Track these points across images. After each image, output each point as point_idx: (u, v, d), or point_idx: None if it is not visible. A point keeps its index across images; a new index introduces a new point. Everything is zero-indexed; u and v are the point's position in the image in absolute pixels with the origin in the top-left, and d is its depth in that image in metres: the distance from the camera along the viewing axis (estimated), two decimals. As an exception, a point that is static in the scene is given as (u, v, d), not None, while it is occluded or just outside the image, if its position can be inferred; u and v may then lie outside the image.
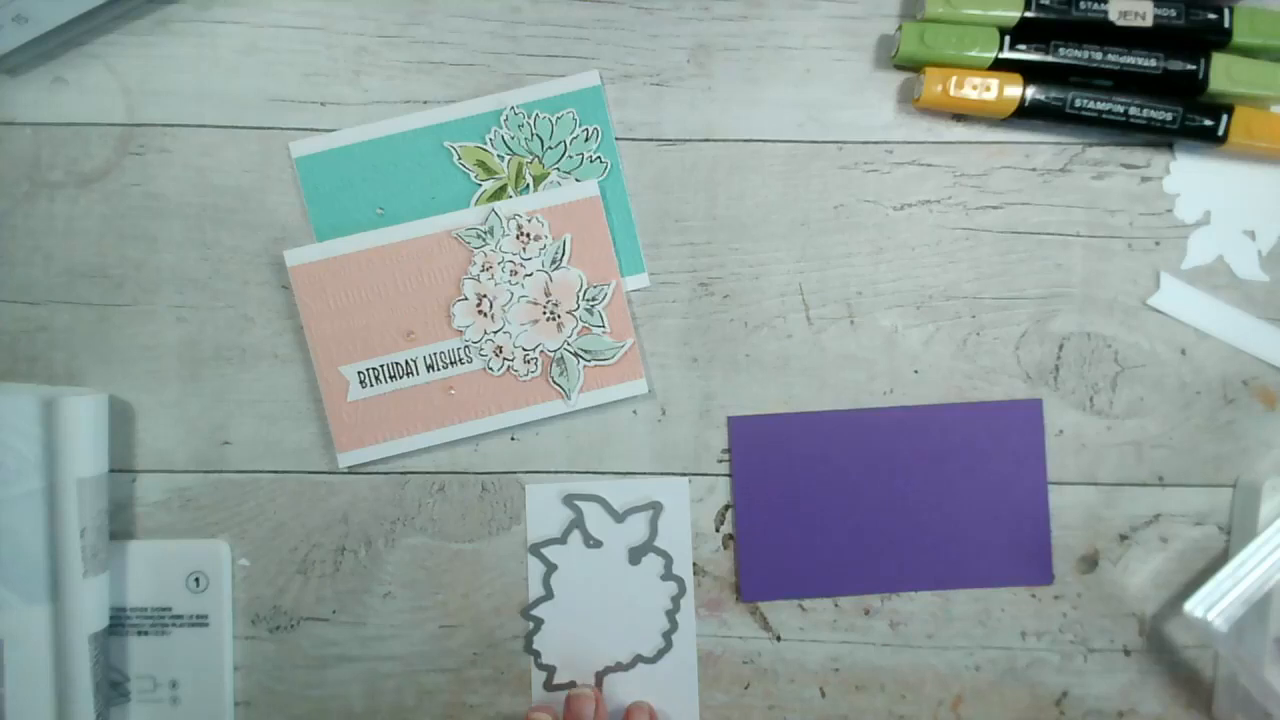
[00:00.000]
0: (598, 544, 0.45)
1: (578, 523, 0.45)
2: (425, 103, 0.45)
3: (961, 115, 0.45)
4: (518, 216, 0.44)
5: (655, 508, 0.45)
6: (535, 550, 0.45)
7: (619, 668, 0.45)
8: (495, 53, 0.45)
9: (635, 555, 0.45)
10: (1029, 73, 0.44)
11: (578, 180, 0.45)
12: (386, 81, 0.45)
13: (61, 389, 0.44)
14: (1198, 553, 0.46)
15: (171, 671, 0.45)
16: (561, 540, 0.45)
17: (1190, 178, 0.46)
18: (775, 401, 0.45)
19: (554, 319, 0.44)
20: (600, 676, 0.45)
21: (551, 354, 0.44)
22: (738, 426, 0.45)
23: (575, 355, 0.44)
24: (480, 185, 0.45)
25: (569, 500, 0.45)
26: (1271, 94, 0.44)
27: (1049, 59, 0.44)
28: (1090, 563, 0.46)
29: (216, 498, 0.45)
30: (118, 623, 0.44)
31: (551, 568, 0.45)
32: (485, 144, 0.45)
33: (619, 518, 0.45)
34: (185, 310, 0.45)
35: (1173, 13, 0.43)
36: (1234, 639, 0.42)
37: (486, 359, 0.44)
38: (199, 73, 0.45)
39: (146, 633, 0.44)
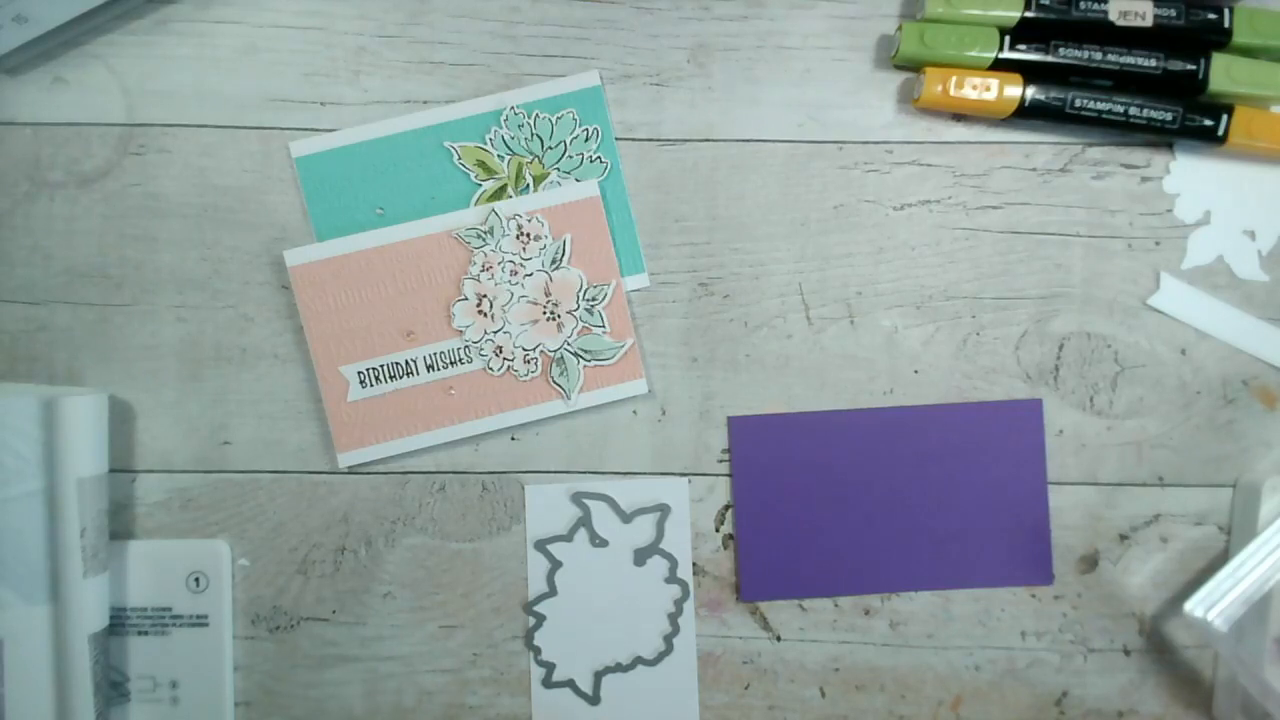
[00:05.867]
0: (604, 543, 0.45)
1: (584, 521, 0.45)
2: (425, 103, 0.45)
3: (961, 115, 0.46)
4: (518, 216, 0.44)
5: (663, 510, 0.45)
6: (541, 546, 0.45)
7: (618, 668, 0.45)
8: (495, 53, 0.45)
9: (640, 557, 0.45)
10: (1029, 73, 0.44)
11: (578, 180, 0.45)
12: (386, 81, 0.45)
13: (61, 389, 0.44)
14: (1198, 553, 0.46)
15: (171, 671, 0.45)
16: (568, 538, 0.45)
17: (1190, 178, 0.46)
18: (775, 401, 0.45)
19: (554, 319, 0.44)
20: (599, 676, 0.45)
21: (551, 354, 0.44)
22: (738, 426, 0.45)
23: (575, 355, 0.44)
24: (480, 185, 0.45)
25: (577, 498, 0.45)
26: (1271, 94, 0.44)
27: (1049, 59, 0.44)
28: (1090, 563, 0.46)
29: (216, 498, 0.45)
30: (118, 623, 0.44)
31: (556, 564, 0.45)
32: (485, 144, 0.45)
33: (626, 518, 0.45)
34: (185, 310, 0.45)
35: (1173, 13, 0.43)
36: (1234, 639, 0.42)
37: (486, 359, 0.44)
38: (199, 73, 0.45)
39: (146, 633, 0.44)
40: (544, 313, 0.44)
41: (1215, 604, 0.41)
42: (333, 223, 0.45)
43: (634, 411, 0.46)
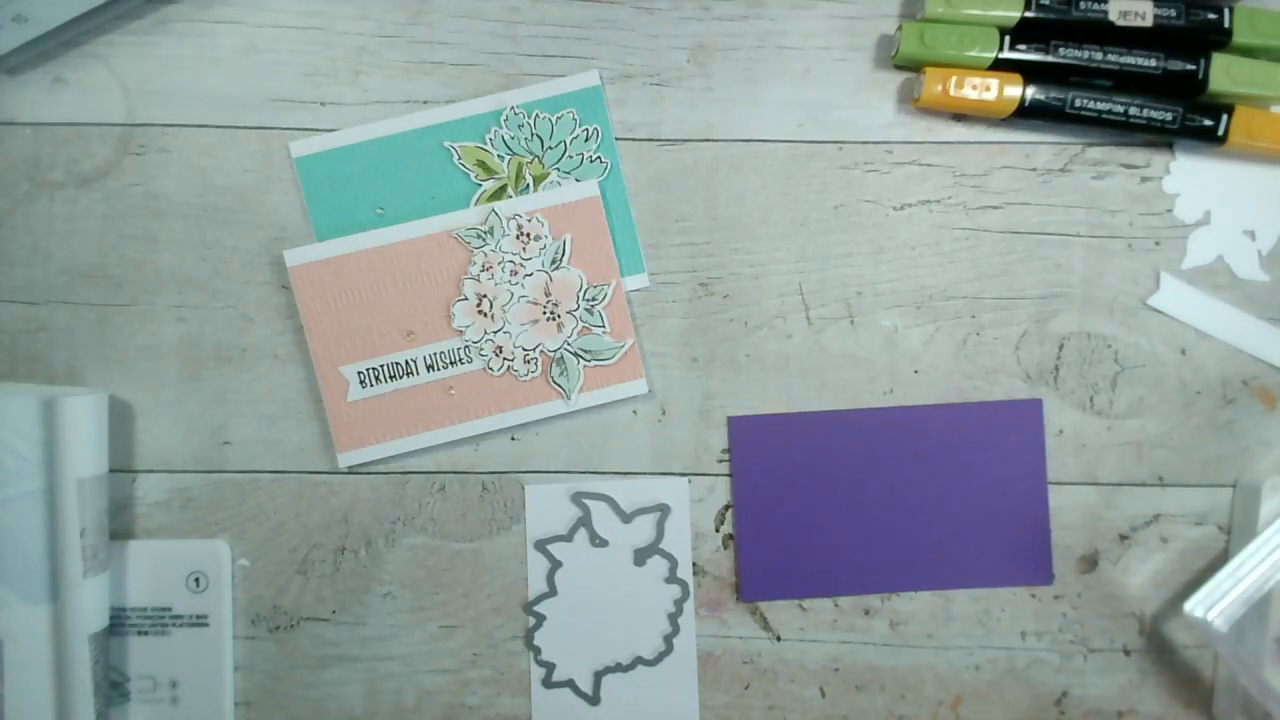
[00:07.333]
0: (604, 543, 0.45)
1: (584, 521, 0.45)
2: (425, 103, 0.45)
3: (961, 115, 0.46)
4: (518, 216, 0.44)
5: (663, 510, 0.45)
6: (540, 546, 0.45)
7: (618, 668, 0.45)
8: (495, 53, 0.45)
9: (640, 557, 0.45)
10: (1029, 73, 0.44)
11: (578, 180, 0.45)
12: (386, 81, 0.45)
13: (61, 389, 0.44)
14: (1198, 553, 0.46)
15: (171, 671, 0.45)
16: (568, 538, 0.45)
17: (1190, 178, 0.46)
18: (775, 401, 0.45)
19: (554, 319, 0.44)
20: (599, 677, 0.45)
21: (551, 354, 0.44)
22: (738, 426, 0.45)
23: (575, 355, 0.44)
24: (480, 185, 0.45)
25: (577, 498, 0.45)
26: (1271, 94, 0.44)
27: (1049, 59, 0.44)
28: (1090, 563, 0.46)
29: (216, 498, 0.45)
30: (118, 623, 0.44)
31: (556, 564, 0.45)
32: (485, 144, 0.45)
33: (626, 518, 0.45)
34: (185, 310, 0.45)
35: (1173, 13, 0.43)
36: (1234, 639, 0.42)
37: (486, 359, 0.44)
38: (199, 73, 0.45)
39: (146, 633, 0.44)
40: (544, 313, 0.44)
41: (1215, 604, 0.41)
42: (333, 223, 0.45)
43: (634, 411, 0.46)
